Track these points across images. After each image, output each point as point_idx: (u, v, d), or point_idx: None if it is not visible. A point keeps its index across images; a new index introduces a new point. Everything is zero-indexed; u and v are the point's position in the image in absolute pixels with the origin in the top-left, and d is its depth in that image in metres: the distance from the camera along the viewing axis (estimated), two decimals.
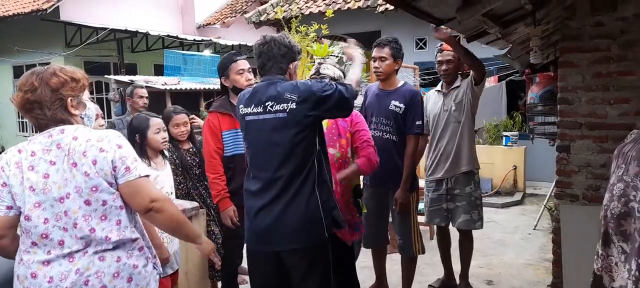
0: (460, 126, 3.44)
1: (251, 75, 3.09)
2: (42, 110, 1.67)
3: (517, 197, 6.95)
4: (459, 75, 3.52)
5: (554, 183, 3.82)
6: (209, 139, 3.07)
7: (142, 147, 2.80)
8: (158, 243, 2.71)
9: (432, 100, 3.62)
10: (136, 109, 4.59)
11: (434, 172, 3.56)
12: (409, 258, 3.37)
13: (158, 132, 2.83)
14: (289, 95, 2.20)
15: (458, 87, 3.48)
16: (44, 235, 1.64)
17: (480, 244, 4.18)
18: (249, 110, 2.31)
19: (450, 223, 3.59)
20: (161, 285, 2.78)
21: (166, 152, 3.21)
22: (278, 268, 2.33)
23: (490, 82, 7.82)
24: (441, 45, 3.46)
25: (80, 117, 1.79)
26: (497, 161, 7.11)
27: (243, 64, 3.08)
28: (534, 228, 5.44)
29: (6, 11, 10.39)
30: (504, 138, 7.34)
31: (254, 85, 2.41)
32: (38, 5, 9.84)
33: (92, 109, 1.90)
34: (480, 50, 6.85)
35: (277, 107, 2.22)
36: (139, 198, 1.72)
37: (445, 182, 3.50)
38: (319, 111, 2.23)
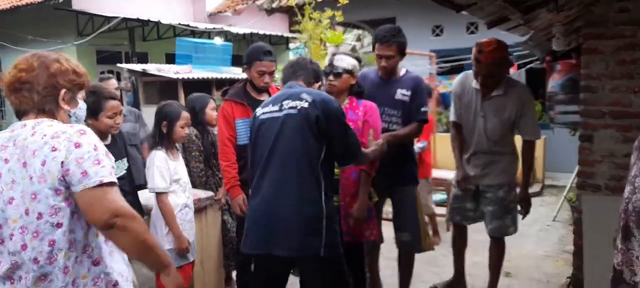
0: (497, 141, 3.06)
1: (268, 79, 3.04)
2: (31, 93, 1.49)
3: (536, 188, 6.84)
4: (503, 80, 3.01)
5: (574, 174, 3.73)
6: (222, 126, 3.09)
7: (168, 135, 2.81)
8: (177, 233, 2.70)
9: (468, 93, 3.13)
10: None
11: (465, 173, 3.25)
12: (409, 257, 3.23)
13: (183, 127, 2.85)
14: (304, 95, 2.24)
15: (502, 96, 3.00)
16: None
17: None
18: (266, 110, 2.33)
19: (468, 223, 3.38)
20: (185, 269, 2.80)
21: (194, 137, 3.26)
22: (279, 274, 2.33)
23: (509, 70, 7.67)
24: (478, 46, 2.96)
25: (69, 114, 1.60)
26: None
27: (267, 65, 3.03)
28: (553, 220, 5.35)
29: (19, 0, 10.43)
30: None
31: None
32: None
33: (83, 109, 1.72)
34: (501, 37, 6.73)
35: (291, 104, 2.24)
36: (97, 211, 1.40)
37: (475, 186, 3.21)
38: (326, 125, 2.19)
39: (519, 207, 3.19)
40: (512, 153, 3.12)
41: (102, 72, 10.28)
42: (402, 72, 3.08)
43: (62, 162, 1.40)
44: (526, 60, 7.39)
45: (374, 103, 2.84)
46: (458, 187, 3.27)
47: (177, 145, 2.97)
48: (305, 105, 2.21)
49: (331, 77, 2.68)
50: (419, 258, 4.17)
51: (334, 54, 2.74)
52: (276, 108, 2.29)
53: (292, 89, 2.35)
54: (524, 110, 2.97)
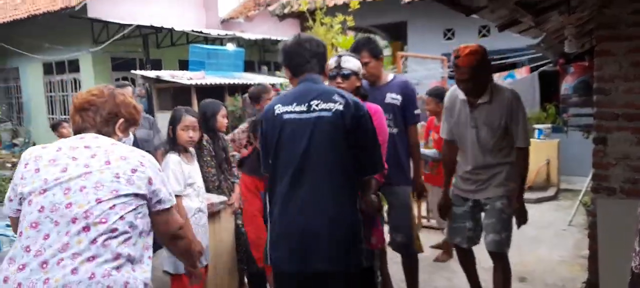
0: (490, 152, 2.89)
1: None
2: (95, 114, 1.72)
3: (551, 192, 6.75)
4: (488, 87, 2.83)
5: (589, 177, 3.68)
6: (249, 199, 2.85)
7: (173, 138, 2.85)
8: (191, 236, 2.74)
9: (457, 108, 2.97)
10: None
11: (461, 189, 3.06)
12: (411, 259, 3.22)
13: (186, 130, 2.85)
14: (337, 97, 2.04)
15: (488, 103, 2.82)
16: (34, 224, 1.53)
17: (513, 240, 4.04)
18: (288, 108, 2.08)
19: (474, 245, 3.11)
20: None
21: (205, 143, 3.27)
22: None
23: (521, 72, 7.61)
24: (456, 51, 2.84)
25: (120, 140, 1.80)
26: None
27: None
28: (569, 224, 5.28)
29: (37, 9, 10.64)
30: (536, 131, 7.13)
31: (293, 88, 2.23)
32: (66, 2, 10.03)
33: (130, 142, 1.97)
34: (512, 40, 6.71)
35: (323, 106, 2.03)
36: (171, 225, 1.77)
37: (473, 201, 3.01)
38: (360, 133, 2.04)
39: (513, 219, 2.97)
40: (511, 164, 2.91)
41: (117, 79, 10.44)
42: (389, 77, 3.19)
43: (150, 179, 1.65)
44: (538, 64, 7.33)
45: None
46: (438, 211, 3.18)
47: (191, 150, 3.00)
48: (340, 107, 2.01)
49: (339, 79, 2.59)
50: (431, 263, 4.18)
51: (340, 55, 2.70)
52: (303, 108, 2.05)
53: (319, 86, 2.12)
54: (512, 116, 2.80)
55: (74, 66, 11.50)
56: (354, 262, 2.04)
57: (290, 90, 2.22)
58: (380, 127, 2.62)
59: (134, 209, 1.60)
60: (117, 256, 1.52)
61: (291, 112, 2.06)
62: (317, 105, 2.02)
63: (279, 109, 2.10)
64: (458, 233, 3.05)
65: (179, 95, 8.75)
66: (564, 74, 4.30)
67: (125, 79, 11.01)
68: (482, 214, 3.01)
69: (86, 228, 1.50)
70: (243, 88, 8.79)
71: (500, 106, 2.79)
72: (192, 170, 2.86)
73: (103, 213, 1.53)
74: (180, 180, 2.76)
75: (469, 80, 2.75)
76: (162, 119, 6.92)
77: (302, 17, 8.86)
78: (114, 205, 1.55)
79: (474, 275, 3.20)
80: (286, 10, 10.12)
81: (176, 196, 2.69)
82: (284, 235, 2.06)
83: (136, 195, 1.61)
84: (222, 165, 3.47)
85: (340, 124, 2.00)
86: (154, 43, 10.96)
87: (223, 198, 3.27)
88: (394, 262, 3.49)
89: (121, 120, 1.76)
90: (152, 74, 9.15)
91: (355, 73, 2.63)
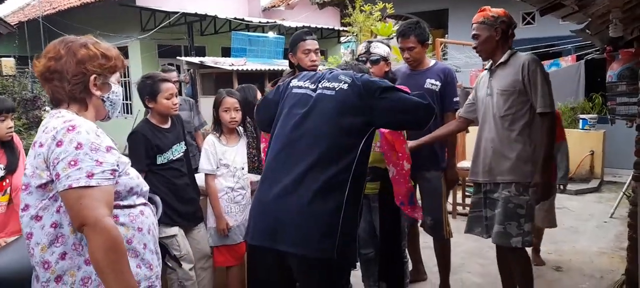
0: (503, 121, 2.67)
1: (317, 57, 3.13)
2: (61, 82, 1.45)
3: (594, 184, 6.55)
4: (504, 48, 2.71)
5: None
6: None
7: (216, 120, 2.99)
8: (218, 213, 2.89)
9: (482, 81, 2.89)
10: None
11: (472, 171, 2.90)
12: (441, 243, 3.25)
13: (227, 111, 2.97)
14: (343, 77, 1.98)
15: (505, 63, 2.69)
16: None
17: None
18: (301, 83, 2.07)
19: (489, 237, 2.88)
20: (232, 251, 2.97)
21: (247, 124, 3.40)
22: (282, 272, 1.96)
23: (567, 61, 7.36)
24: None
25: (103, 99, 1.53)
26: (571, 146, 6.70)
27: (311, 44, 3.10)
28: (611, 217, 5.13)
29: None
30: (580, 121, 6.90)
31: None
32: None
33: (119, 93, 1.59)
34: (558, 27, 6.49)
35: (327, 85, 1.98)
36: (70, 214, 1.35)
37: (483, 185, 2.83)
38: (373, 97, 1.89)
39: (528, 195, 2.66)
40: (526, 146, 2.64)
41: (164, 65, 10.81)
42: (431, 62, 3.19)
43: (45, 160, 1.37)
44: (586, 52, 7.07)
45: None
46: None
47: (239, 130, 3.09)
48: (345, 86, 1.94)
49: (368, 64, 2.70)
50: (466, 248, 4.17)
51: (369, 41, 2.77)
52: (312, 86, 2.02)
53: (332, 72, 2.09)
54: (529, 77, 2.57)
55: (123, 53, 11.78)
56: (326, 249, 1.82)
57: (313, 72, 2.21)
58: None
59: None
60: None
61: (300, 87, 2.05)
62: (322, 85, 2.00)
63: (294, 82, 2.10)
64: (476, 224, 2.88)
65: (221, 80, 9.00)
66: (611, 62, 4.15)
67: (170, 65, 11.41)
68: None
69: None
70: (282, 74, 8.93)
71: (515, 68, 2.64)
72: (229, 151, 2.96)
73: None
74: (212, 160, 2.89)
75: (478, 35, 2.72)
76: (206, 103, 7.15)
77: (342, 5, 8.88)
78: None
79: (507, 274, 2.93)
80: None
81: (209, 174, 2.88)
82: (258, 210, 1.97)
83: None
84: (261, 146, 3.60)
85: (340, 101, 1.91)
86: (198, 30, 11.26)
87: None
88: (427, 246, 3.52)
89: (93, 77, 1.47)
90: (196, 60, 9.43)
91: (385, 58, 2.72)
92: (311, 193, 1.82)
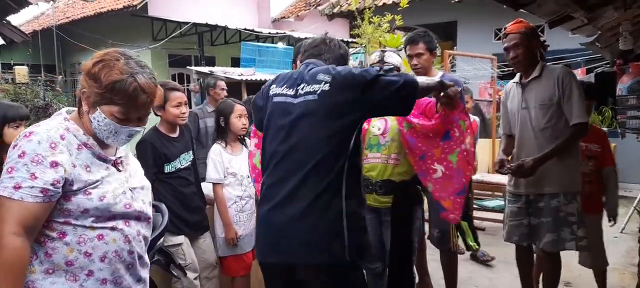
0: (544, 133, 2.72)
1: None
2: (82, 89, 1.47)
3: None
4: (538, 61, 2.79)
5: None
6: None
7: (226, 129, 2.98)
8: (226, 222, 2.88)
9: (511, 94, 2.97)
10: (216, 99, 4.83)
11: (515, 183, 2.93)
12: (448, 256, 3.24)
13: (239, 118, 2.98)
14: (322, 76, 1.89)
15: (538, 77, 2.75)
16: None
17: None
18: (279, 90, 2.00)
19: (528, 243, 2.99)
20: (240, 260, 2.96)
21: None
22: (292, 285, 1.95)
23: (577, 74, 7.31)
24: (505, 28, 2.89)
25: (91, 119, 1.45)
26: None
27: None
28: (621, 232, 5.05)
29: (101, 8, 11.30)
30: None
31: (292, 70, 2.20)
32: (129, 1, 10.59)
33: (100, 122, 1.45)
34: (566, 39, 6.47)
35: (308, 89, 1.89)
36: None
37: (526, 196, 2.88)
38: (363, 97, 1.83)
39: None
40: (572, 156, 2.74)
41: (174, 75, 10.90)
42: (438, 73, 3.19)
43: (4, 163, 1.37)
44: (596, 65, 7.02)
45: None
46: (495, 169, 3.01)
47: (245, 140, 3.08)
48: (326, 87, 1.85)
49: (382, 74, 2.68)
50: (473, 262, 4.13)
51: (383, 50, 2.76)
52: (291, 92, 1.95)
53: (309, 69, 1.98)
54: (564, 90, 2.64)
55: None
56: (330, 256, 1.84)
57: (289, 71, 2.16)
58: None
59: None
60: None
61: (280, 95, 1.99)
62: (302, 89, 1.91)
63: (273, 89, 2.04)
64: (515, 232, 2.94)
65: (230, 90, 9.03)
66: (621, 75, 4.12)
67: (181, 74, 11.51)
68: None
69: None
70: None
71: (550, 82, 2.70)
72: (235, 160, 2.96)
73: None
74: (219, 169, 2.90)
75: (518, 45, 2.73)
76: None
77: (351, 17, 8.92)
78: None
79: (528, 275, 3.09)
80: (335, 10, 10.22)
81: (216, 184, 2.89)
82: (261, 228, 2.00)
83: None
84: None
85: (325, 105, 1.85)
86: (209, 41, 11.36)
87: None
88: (434, 259, 3.49)
89: (83, 91, 1.45)
90: (206, 69, 9.51)
91: (397, 68, 2.70)
92: (308, 203, 1.82)
